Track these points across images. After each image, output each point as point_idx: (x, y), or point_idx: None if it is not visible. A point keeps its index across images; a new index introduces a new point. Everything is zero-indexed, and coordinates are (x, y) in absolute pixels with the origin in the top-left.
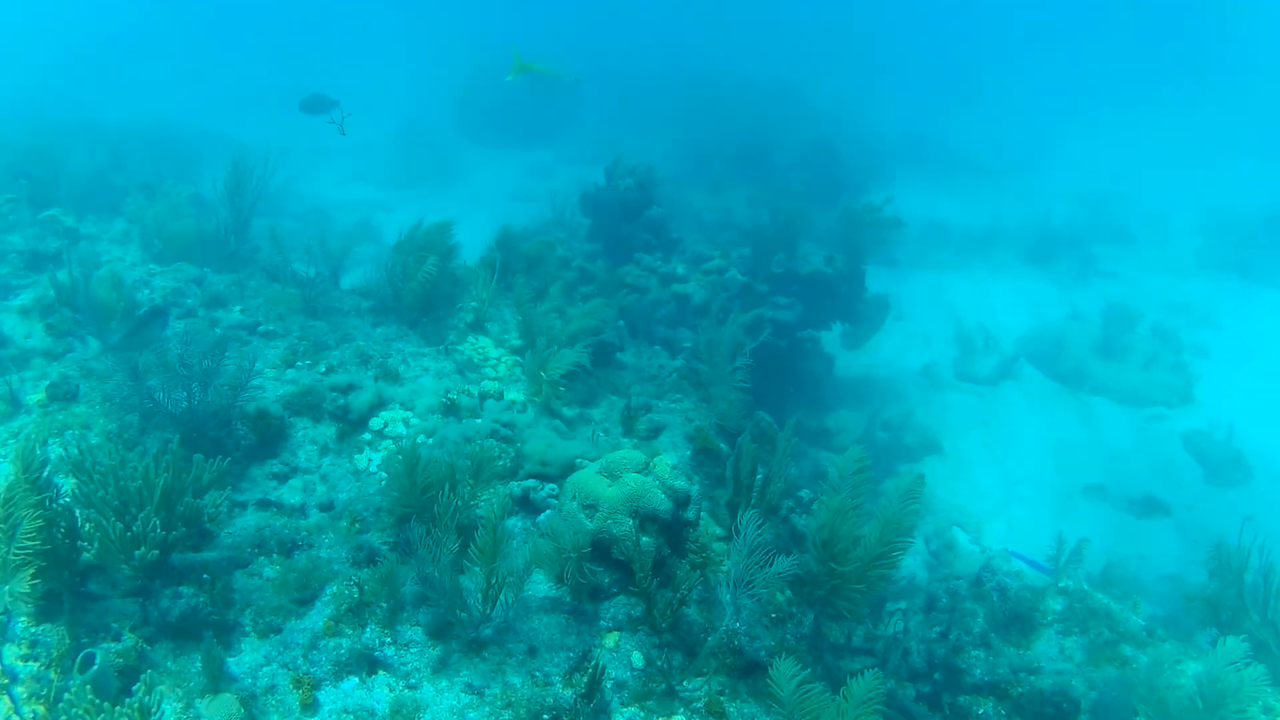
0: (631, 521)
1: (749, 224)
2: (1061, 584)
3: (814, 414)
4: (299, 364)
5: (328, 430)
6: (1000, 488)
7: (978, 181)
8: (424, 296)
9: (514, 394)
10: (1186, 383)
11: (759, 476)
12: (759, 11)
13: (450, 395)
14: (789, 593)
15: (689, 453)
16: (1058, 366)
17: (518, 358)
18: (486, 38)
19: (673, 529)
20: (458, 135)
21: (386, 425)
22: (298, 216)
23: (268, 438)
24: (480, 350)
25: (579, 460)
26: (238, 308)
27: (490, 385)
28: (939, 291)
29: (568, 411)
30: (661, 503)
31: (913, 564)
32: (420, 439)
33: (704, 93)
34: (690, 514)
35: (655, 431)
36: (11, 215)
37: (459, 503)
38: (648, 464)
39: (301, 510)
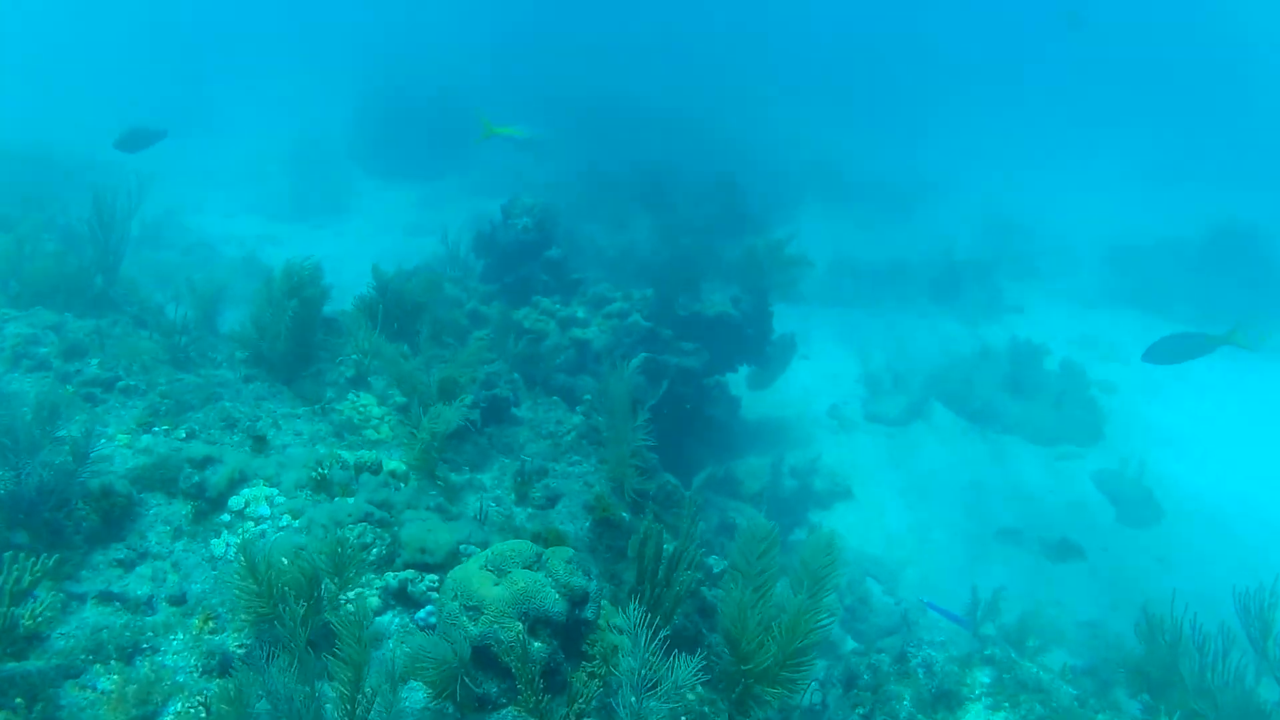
0: (520, 625)
1: (652, 259)
2: (988, 651)
3: (720, 459)
4: (156, 428)
5: (183, 509)
6: (914, 533)
7: (885, 212)
8: (296, 348)
9: (395, 461)
10: (1096, 419)
11: (664, 560)
12: (662, 36)
13: (321, 469)
14: (700, 689)
15: (588, 524)
16: (968, 405)
17: (403, 415)
18: (382, 58)
19: (569, 631)
20: (352, 164)
21: (248, 505)
22: (182, 249)
23: (113, 519)
24: (361, 409)
25: (464, 547)
26: (95, 360)
27: (366, 455)
28: (847, 329)
29: (455, 477)
30: (555, 603)
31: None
32: (285, 520)
33: (608, 120)
34: (589, 613)
35: (552, 500)
36: None
37: (314, 606)
38: (540, 557)
39: (149, 604)
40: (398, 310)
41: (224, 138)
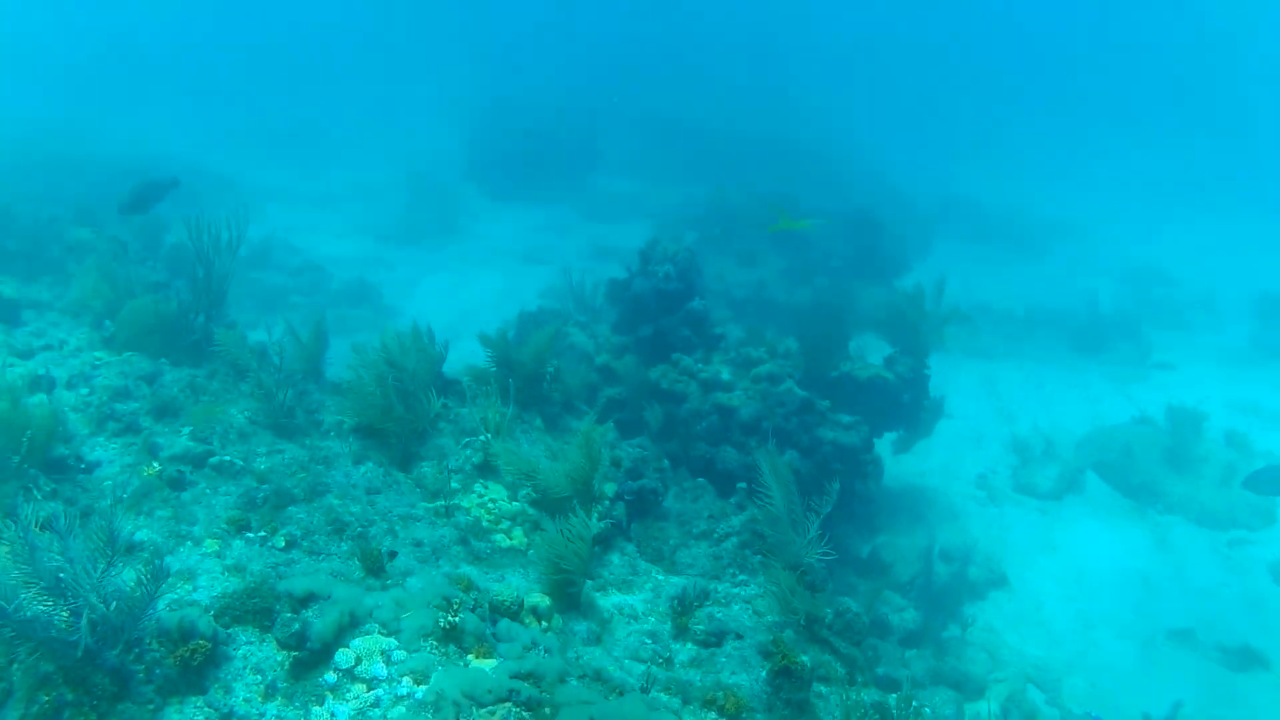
0: None
1: (785, 302)
2: None
3: (863, 535)
4: (252, 532)
5: (278, 656)
6: (1076, 632)
7: (1016, 252)
8: (412, 422)
9: (535, 594)
10: (1269, 499)
11: None
12: (787, 60)
13: (450, 615)
14: None
15: (763, 674)
16: (1127, 480)
17: (538, 514)
18: (497, 80)
19: None
20: (467, 184)
21: (359, 662)
22: (290, 271)
23: (193, 666)
24: (490, 507)
25: None
26: (188, 429)
27: (503, 594)
28: (987, 384)
29: (602, 601)
30: None
31: None
32: (405, 686)
33: (731, 147)
34: None
35: (718, 637)
36: None
37: None
38: None
39: None
40: (523, 372)
41: (336, 158)
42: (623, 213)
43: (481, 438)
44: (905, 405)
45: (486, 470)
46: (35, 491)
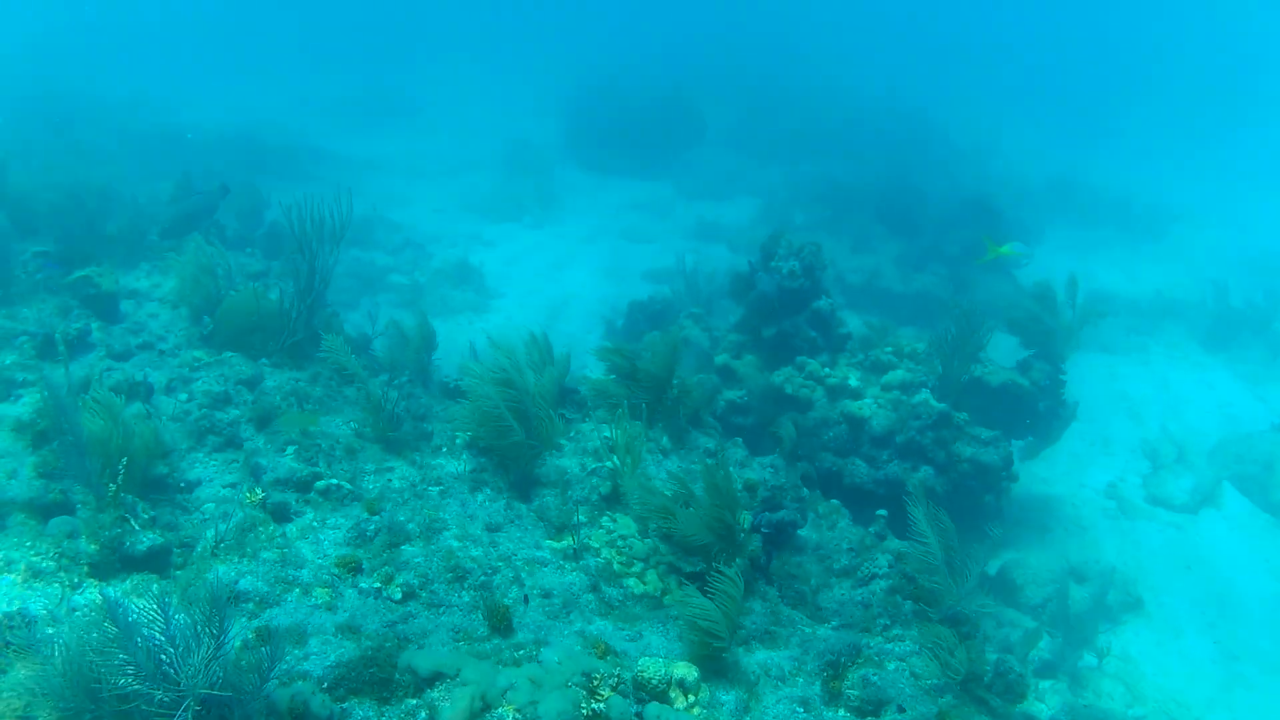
0: None
1: (902, 293)
2: None
3: (987, 546)
4: (365, 579)
5: None
6: (1218, 664)
7: (1131, 239)
8: (530, 450)
9: (679, 663)
10: None
11: None
12: (887, 34)
13: (594, 700)
14: None
15: None
16: (1268, 495)
17: (672, 555)
18: (599, 52)
19: None
20: (566, 158)
21: None
22: (390, 249)
23: None
24: (621, 544)
25: None
26: (292, 448)
27: (651, 670)
28: (1111, 382)
29: (746, 660)
30: None
31: None
32: None
33: (838, 123)
34: None
35: (875, 706)
36: (39, 275)
37: None
38: None
39: None
40: (649, 384)
41: (433, 129)
42: (725, 190)
43: (608, 465)
44: (1040, 415)
45: (614, 500)
46: (133, 521)
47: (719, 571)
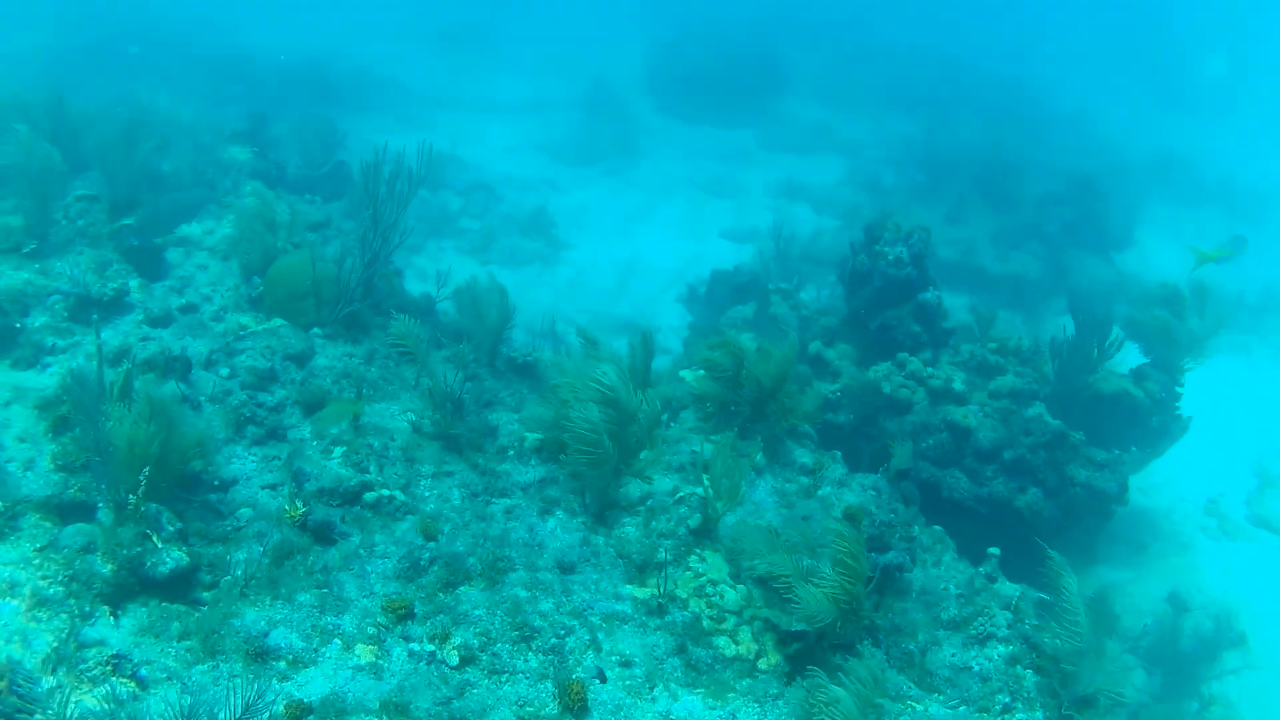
0: None
1: (999, 272)
2: None
3: (1080, 564)
4: (416, 623)
5: None
6: None
7: (1234, 220)
8: (614, 468)
9: None
10: None
11: None
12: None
13: None
14: None
15: None
16: None
17: (768, 609)
18: None
19: None
20: (645, 101)
21: None
22: (459, 190)
23: None
24: (711, 592)
25: None
26: (340, 449)
27: None
28: (1213, 383)
29: None
30: None
31: None
32: None
33: (934, 78)
34: None
35: None
36: (80, 221)
37: None
38: None
39: None
40: (753, 394)
41: (510, 63)
42: (811, 143)
43: (698, 491)
44: (1152, 429)
45: (703, 534)
46: (155, 538)
47: (846, 651)
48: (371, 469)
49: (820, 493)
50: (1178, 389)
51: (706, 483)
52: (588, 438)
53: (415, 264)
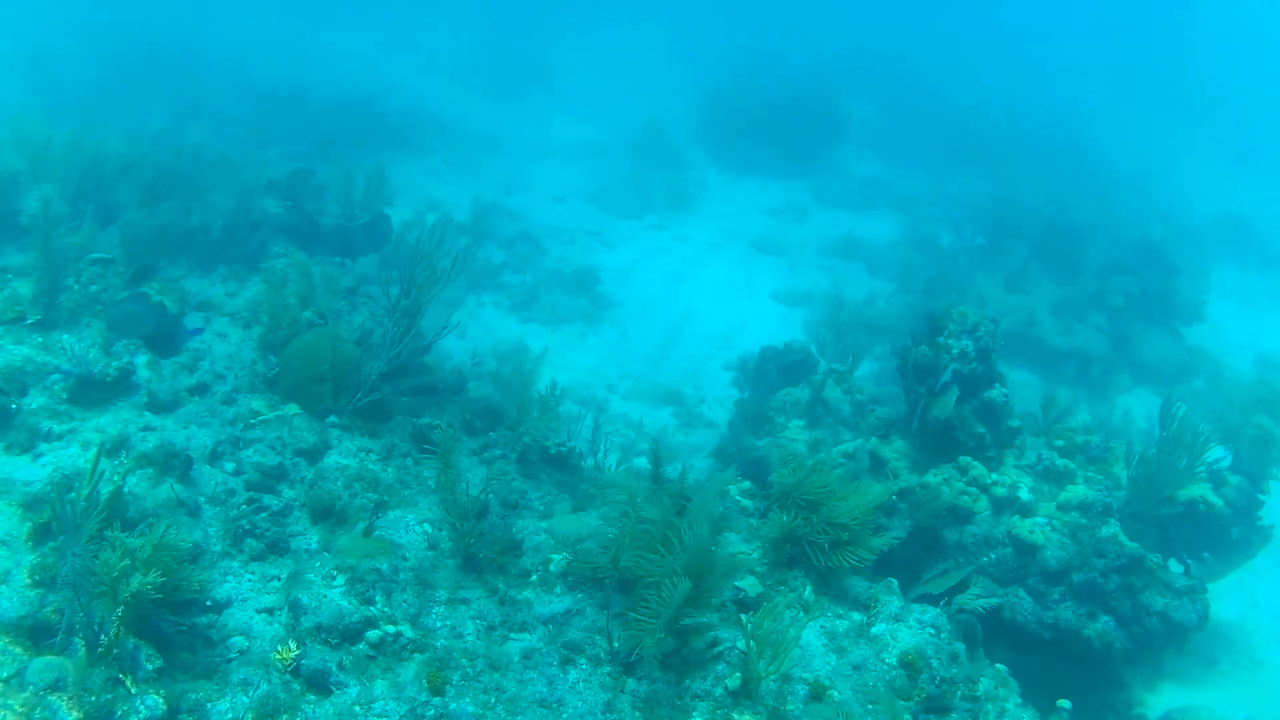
0: None
1: (1060, 346)
2: None
3: (1145, 676)
4: None
5: None
6: None
7: None
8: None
9: None
10: None
11: None
12: (1046, 41)
13: None
14: None
15: None
16: None
17: None
18: (747, 32)
19: None
20: (699, 150)
21: None
22: (503, 242)
23: None
24: None
25: None
26: (343, 577)
27: None
28: None
29: None
30: None
31: None
32: None
33: (987, 132)
34: None
35: None
36: (93, 287)
37: None
38: None
39: None
40: (801, 510)
41: (562, 104)
42: (866, 199)
43: (739, 645)
44: (1232, 541)
45: (744, 694)
46: (128, 682)
47: None
48: (378, 599)
49: (874, 630)
50: (1261, 497)
51: (750, 631)
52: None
53: (454, 319)
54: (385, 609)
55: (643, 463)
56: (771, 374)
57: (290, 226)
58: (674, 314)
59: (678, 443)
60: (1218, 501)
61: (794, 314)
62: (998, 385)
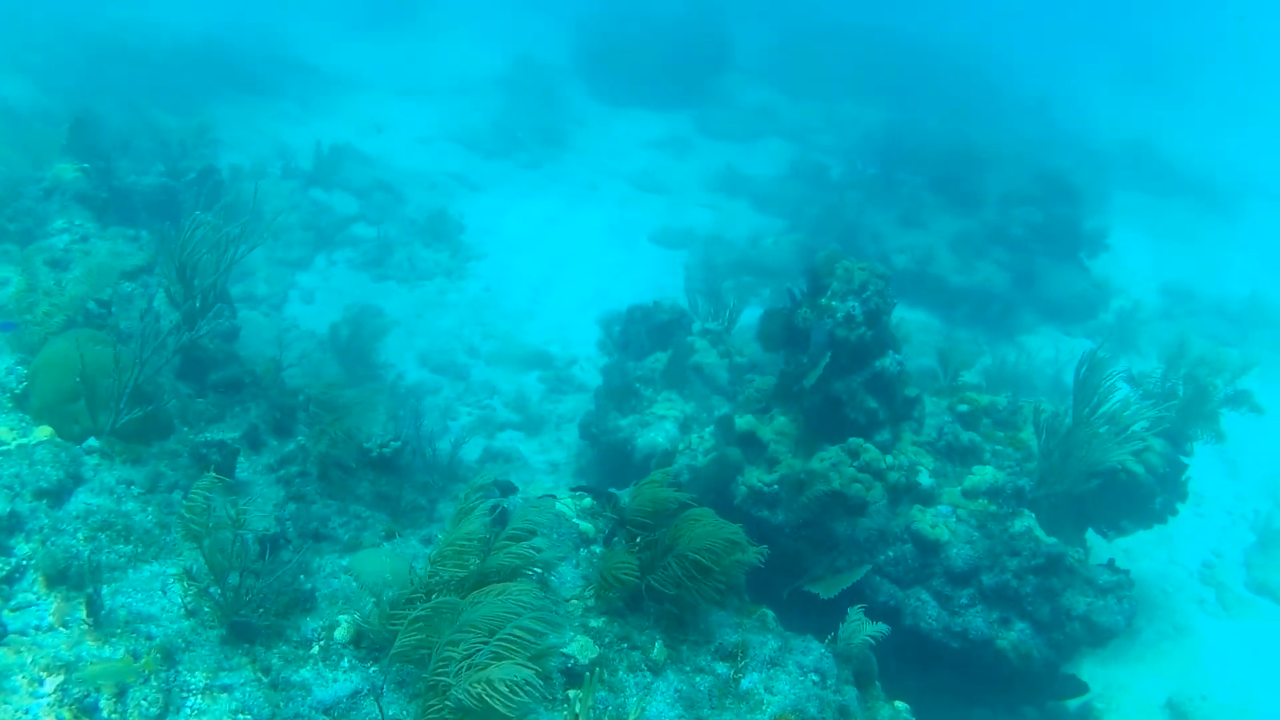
0: None
1: (961, 286)
2: None
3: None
4: None
5: None
6: None
7: (1204, 212)
8: None
9: None
10: None
11: None
12: None
13: None
14: None
15: None
16: None
17: None
18: None
19: None
20: (575, 82)
21: None
22: (358, 190)
23: None
24: None
25: None
26: (55, 677)
27: None
28: None
29: None
30: None
31: None
32: None
33: (880, 55)
34: None
35: None
36: None
37: None
38: None
39: None
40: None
41: (432, 36)
42: (755, 129)
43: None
44: (1155, 510)
45: None
46: None
47: None
48: (102, 706)
49: (744, 685)
50: (1184, 459)
51: (578, 713)
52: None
53: (300, 283)
54: (115, 708)
55: (505, 442)
56: (640, 336)
57: (84, 195)
58: (545, 264)
59: (545, 412)
60: (1139, 469)
61: (675, 257)
62: (890, 353)
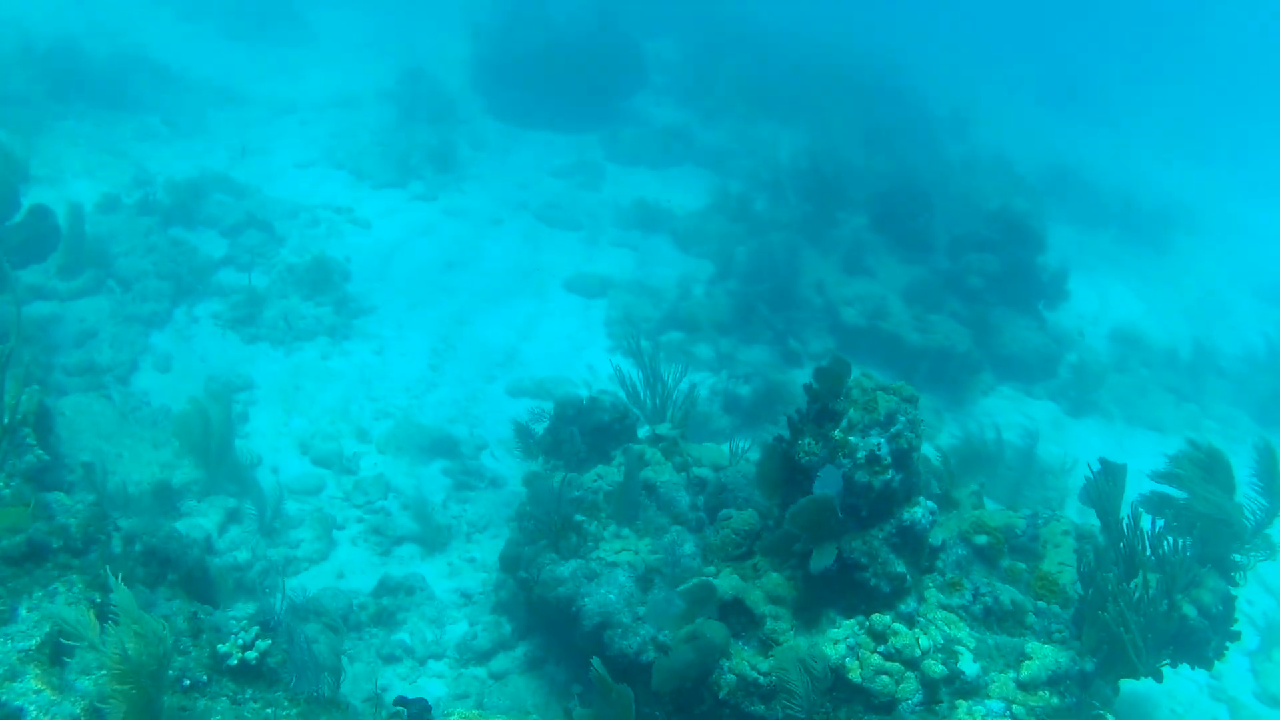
0: None
1: (918, 345)
2: None
3: None
4: None
5: None
6: None
7: (1135, 244)
8: None
9: None
10: None
11: None
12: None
13: None
14: None
15: None
16: None
17: None
18: None
19: None
20: (472, 99)
21: None
22: (226, 229)
23: None
24: None
25: None
26: None
27: None
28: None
29: None
30: None
31: None
32: None
33: (799, 72)
34: None
35: None
36: None
37: None
38: None
39: None
40: None
41: (314, 45)
42: (667, 154)
43: None
44: (1206, 657)
45: None
46: None
47: None
48: None
49: None
50: (1234, 591)
51: None
52: None
53: (154, 345)
54: None
55: (405, 564)
56: (574, 439)
57: None
58: (444, 318)
59: (452, 519)
60: (1191, 611)
61: (593, 309)
62: (921, 500)
